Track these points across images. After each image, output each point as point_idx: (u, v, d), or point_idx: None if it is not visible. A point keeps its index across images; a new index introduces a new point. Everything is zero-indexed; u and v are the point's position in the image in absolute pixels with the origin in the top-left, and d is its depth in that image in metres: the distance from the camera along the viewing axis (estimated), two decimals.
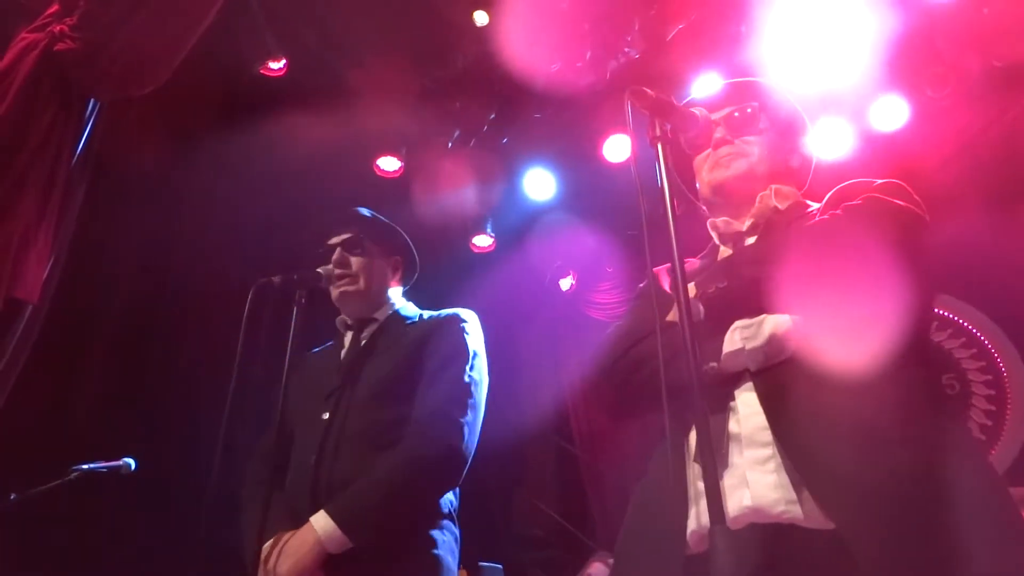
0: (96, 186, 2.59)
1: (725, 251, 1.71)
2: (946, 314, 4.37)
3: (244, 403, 2.09)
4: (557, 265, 5.32)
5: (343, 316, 2.39)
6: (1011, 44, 3.41)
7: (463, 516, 2.18)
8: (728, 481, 1.37)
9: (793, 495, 1.30)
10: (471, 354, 2.19)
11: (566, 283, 5.33)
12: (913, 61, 3.64)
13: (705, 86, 3.71)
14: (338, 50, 3.96)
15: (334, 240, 2.36)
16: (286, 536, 1.93)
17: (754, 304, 1.44)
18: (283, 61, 3.84)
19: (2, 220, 2.20)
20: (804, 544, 1.29)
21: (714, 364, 1.44)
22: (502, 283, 4.45)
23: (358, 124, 4.06)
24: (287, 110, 3.83)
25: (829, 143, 3.88)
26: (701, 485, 1.38)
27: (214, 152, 3.72)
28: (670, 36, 3.75)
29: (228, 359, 2.04)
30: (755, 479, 1.34)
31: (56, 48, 2.38)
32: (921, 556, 1.18)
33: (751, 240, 1.66)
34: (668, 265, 1.72)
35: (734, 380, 1.44)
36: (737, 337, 1.44)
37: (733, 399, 1.43)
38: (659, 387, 1.17)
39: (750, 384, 1.42)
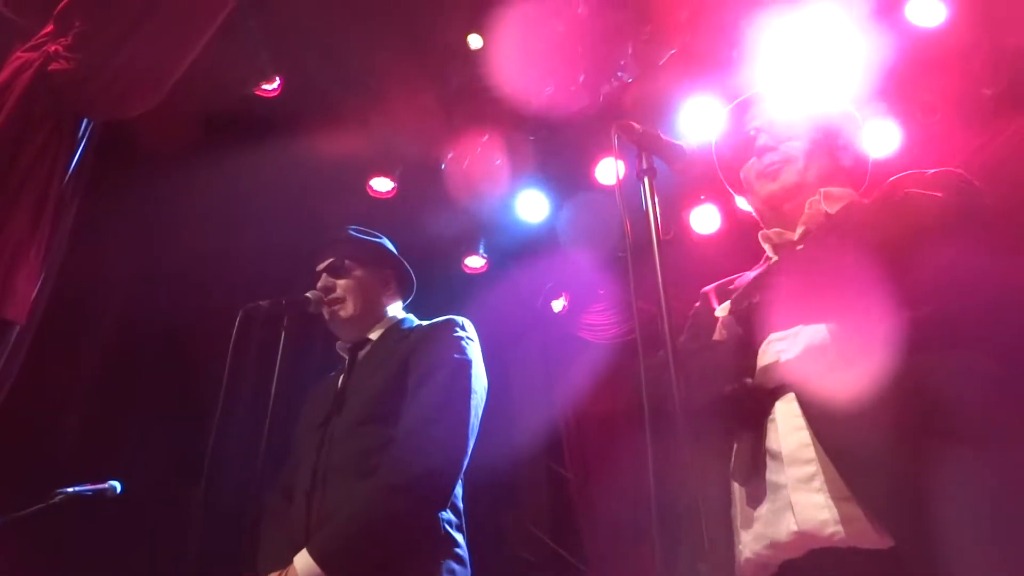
0: (87, 206, 2.58)
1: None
2: None
3: (231, 428, 2.07)
4: (549, 287, 5.31)
5: (340, 341, 2.36)
6: (1000, 72, 3.44)
7: None
8: (772, 505, 1.32)
9: (839, 514, 1.23)
10: (458, 363, 2.11)
11: (558, 304, 5.31)
12: (904, 87, 3.66)
13: (698, 110, 3.74)
14: (332, 72, 3.97)
15: (320, 266, 2.35)
16: None
17: (790, 316, 1.39)
18: (277, 82, 3.84)
19: None
20: (861, 569, 1.22)
21: (749, 380, 1.39)
22: (494, 304, 4.42)
23: (352, 144, 4.07)
24: (281, 131, 3.83)
25: None
26: (751, 510, 1.35)
27: (206, 172, 3.71)
28: (663, 60, 3.78)
29: (216, 383, 2.02)
30: (800, 500, 1.28)
31: (50, 68, 2.39)
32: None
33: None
34: (716, 285, 1.71)
35: (771, 395, 1.38)
36: (772, 350, 1.40)
37: (771, 415, 1.37)
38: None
39: (789, 398, 1.36)
